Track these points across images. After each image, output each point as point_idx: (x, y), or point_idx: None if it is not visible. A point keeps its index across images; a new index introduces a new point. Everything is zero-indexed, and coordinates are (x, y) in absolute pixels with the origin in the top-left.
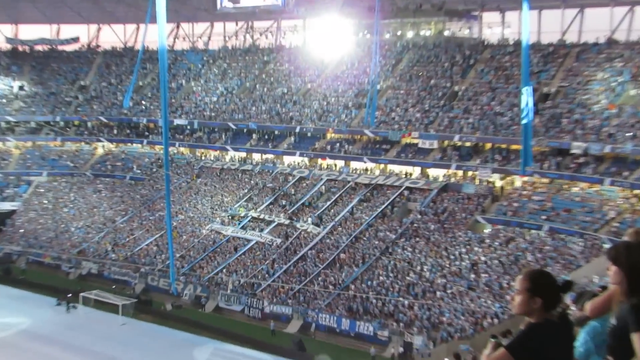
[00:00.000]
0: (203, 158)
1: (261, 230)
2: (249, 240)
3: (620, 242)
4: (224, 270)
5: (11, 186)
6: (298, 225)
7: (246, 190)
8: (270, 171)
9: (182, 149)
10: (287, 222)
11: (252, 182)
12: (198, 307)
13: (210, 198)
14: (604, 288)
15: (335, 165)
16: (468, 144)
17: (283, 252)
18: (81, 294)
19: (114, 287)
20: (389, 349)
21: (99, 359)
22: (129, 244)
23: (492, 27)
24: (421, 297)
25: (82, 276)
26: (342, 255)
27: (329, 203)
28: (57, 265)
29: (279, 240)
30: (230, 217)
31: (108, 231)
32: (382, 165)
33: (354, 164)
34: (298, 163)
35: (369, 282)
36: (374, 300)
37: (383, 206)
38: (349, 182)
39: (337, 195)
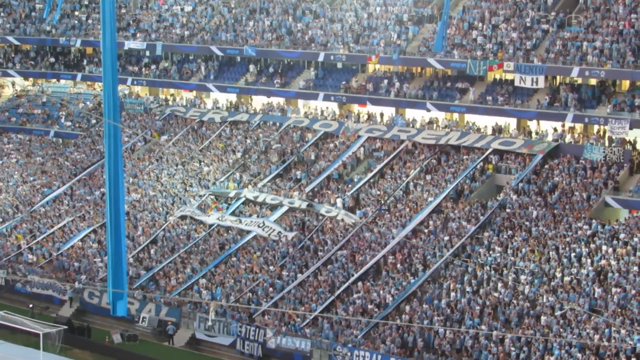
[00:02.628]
0: (171, 103)
1: (263, 218)
2: (242, 234)
3: None
4: (204, 282)
5: None
6: (322, 211)
7: (239, 155)
8: (278, 125)
9: (137, 88)
10: (303, 205)
11: (248, 141)
12: (163, 339)
13: (182, 167)
14: None
15: (382, 114)
16: (593, 81)
17: (297, 253)
18: None
19: (31, 306)
20: None
21: None
22: (54, 238)
23: None
24: (516, 326)
25: None
26: (391, 258)
27: (370, 175)
28: None
29: (290, 234)
30: (214, 198)
31: (22, 218)
32: (455, 116)
33: (411, 113)
34: (322, 111)
35: (434, 302)
36: (442, 330)
37: (457, 180)
38: (402, 142)
39: (383, 164)
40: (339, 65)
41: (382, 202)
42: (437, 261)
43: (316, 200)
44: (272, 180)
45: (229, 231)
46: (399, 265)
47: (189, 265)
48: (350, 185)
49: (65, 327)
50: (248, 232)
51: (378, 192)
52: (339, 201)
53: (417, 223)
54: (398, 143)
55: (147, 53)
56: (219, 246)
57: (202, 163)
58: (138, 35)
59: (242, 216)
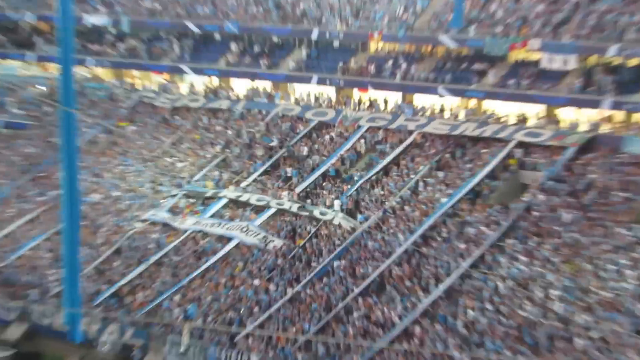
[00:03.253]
0: (139, 88)
1: (246, 222)
2: (222, 242)
3: None
4: (177, 299)
5: None
6: (315, 213)
7: (218, 149)
8: (264, 113)
9: (99, 70)
10: (294, 207)
11: (229, 133)
12: None
13: (151, 163)
14: None
15: (386, 101)
16: (634, 62)
17: (287, 264)
18: None
19: None
20: None
21: None
22: None
23: None
24: (547, 349)
25: None
26: (397, 270)
27: (372, 173)
28: None
29: (279, 242)
30: (188, 200)
31: None
32: (472, 102)
33: (420, 99)
34: (316, 97)
35: (448, 321)
36: (458, 355)
37: (474, 179)
38: (410, 133)
39: (388, 159)
40: (336, 43)
41: (387, 203)
42: (452, 274)
43: (309, 201)
44: (258, 178)
45: (207, 238)
46: (406, 279)
47: (159, 279)
48: (349, 185)
49: (12, 351)
50: (229, 239)
51: (382, 192)
52: (336, 203)
53: (427, 228)
54: (405, 134)
55: (111, 30)
56: (194, 256)
57: (175, 158)
58: (101, 8)
59: (222, 220)
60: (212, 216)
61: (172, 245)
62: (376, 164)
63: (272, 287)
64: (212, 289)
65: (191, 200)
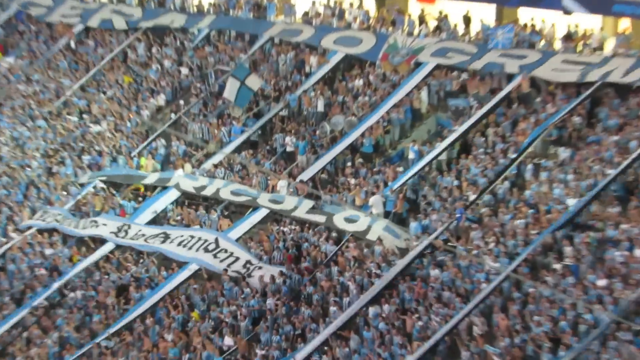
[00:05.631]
0: None
1: (214, 233)
2: (170, 268)
3: None
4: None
5: None
6: (337, 220)
7: (163, 102)
8: (248, 38)
9: None
10: (301, 206)
11: (183, 71)
12: None
13: (44, 123)
14: None
15: (467, 20)
16: None
17: (284, 309)
18: None
19: None
20: None
21: None
22: None
23: None
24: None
25: None
26: (480, 324)
27: (441, 147)
28: None
29: (269, 270)
30: (108, 191)
31: None
32: (623, 23)
33: (529, 15)
34: (340, 8)
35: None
36: None
37: (624, 163)
38: (509, 77)
39: (469, 124)
40: None
41: (466, 203)
42: (588, 330)
43: (326, 198)
44: (235, 154)
45: (140, 261)
46: (501, 339)
47: (55, 332)
48: (398, 169)
49: None
50: (182, 264)
51: (457, 184)
52: (374, 200)
53: (538, 249)
54: (501, 80)
55: None
56: (115, 292)
57: (86, 116)
58: None
59: (170, 229)
60: (152, 222)
61: (76, 271)
62: (448, 133)
63: (257, 352)
64: (149, 351)
65: (113, 192)
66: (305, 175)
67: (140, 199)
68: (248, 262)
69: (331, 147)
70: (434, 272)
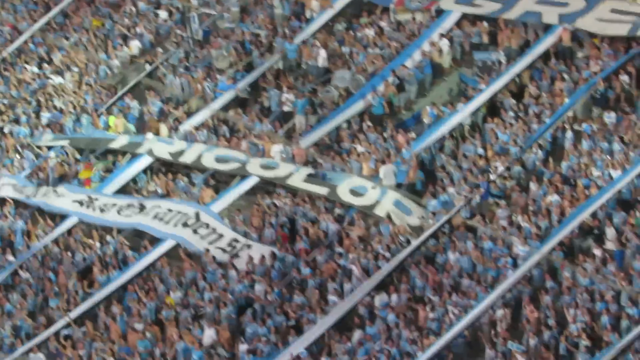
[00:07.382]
0: None
1: (194, 206)
2: (142, 247)
3: None
4: None
5: None
6: (341, 192)
7: (136, 50)
8: None
9: None
10: (296, 177)
11: (162, 14)
12: None
13: None
14: None
15: None
16: None
17: (275, 295)
18: None
19: None
20: None
21: None
22: None
23: None
24: None
25: None
26: (505, 318)
27: (463, 109)
28: None
29: (259, 249)
30: (72, 156)
31: None
32: None
33: None
34: None
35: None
36: None
37: None
38: (547, 28)
39: (498, 82)
40: None
41: (492, 176)
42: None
43: (328, 166)
44: (220, 113)
45: (108, 237)
46: (531, 335)
47: (10, 320)
48: (411, 134)
49: None
50: (157, 241)
51: (481, 153)
52: (384, 171)
53: (575, 231)
54: (536, 31)
55: None
56: (77, 275)
57: (48, 67)
58: None
59: (145, 200)
60: (122, 190)
61: (33, 248)
62: (473, 93)
63: (242, 347)
64: (112, 347)
65: (78, 157)
66: (305, 141)
67: (108, 166)
68: (234, 240)
69: (335, 111)
70: (452, 256)
